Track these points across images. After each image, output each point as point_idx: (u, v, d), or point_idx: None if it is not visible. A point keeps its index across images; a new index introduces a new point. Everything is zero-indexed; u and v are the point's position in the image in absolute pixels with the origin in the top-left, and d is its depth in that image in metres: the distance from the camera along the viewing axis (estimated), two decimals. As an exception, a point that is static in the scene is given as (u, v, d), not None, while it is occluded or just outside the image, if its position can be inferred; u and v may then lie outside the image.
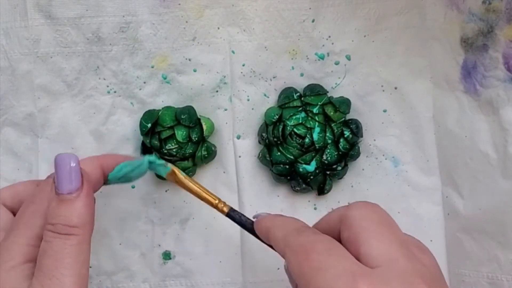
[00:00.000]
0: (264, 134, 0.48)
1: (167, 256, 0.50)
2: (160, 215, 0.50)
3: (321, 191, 0.49)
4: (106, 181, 0.39)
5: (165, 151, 0.47)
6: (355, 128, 0.48)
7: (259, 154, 0.49)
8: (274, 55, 0.48)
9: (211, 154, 0.48)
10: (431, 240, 0.48)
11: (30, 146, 0.49)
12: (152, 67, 0.48)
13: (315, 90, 0.48)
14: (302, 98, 0.48)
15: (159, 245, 0.50)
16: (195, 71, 0.49)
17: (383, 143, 0.49)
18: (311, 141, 0.48)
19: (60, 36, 0.48)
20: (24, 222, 0.35)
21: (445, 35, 0.46)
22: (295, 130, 0.48)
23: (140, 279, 0.50)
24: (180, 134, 0.47)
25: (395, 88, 0.49)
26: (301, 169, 0.48)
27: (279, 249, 0.34)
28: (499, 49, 0.43)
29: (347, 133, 0.48)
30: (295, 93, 0.48)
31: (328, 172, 0.48)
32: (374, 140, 0.49)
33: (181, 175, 0.41)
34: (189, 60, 0.48)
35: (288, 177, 0.48)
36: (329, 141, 0.48)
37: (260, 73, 0.49)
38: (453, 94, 0.47)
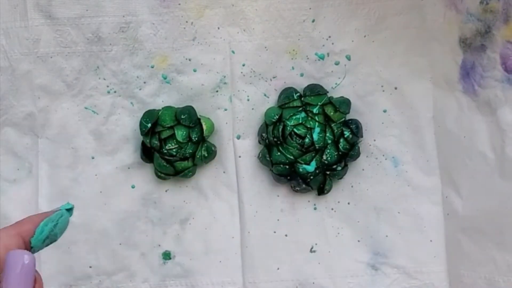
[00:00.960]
0: (264, 134, 0.48)
1: (167, 256, 0.50)
2: (160, 215, 0.50)
3: (321, 191, 0.49)
4: (30, 249, 0.33)
5: (165, 151, 0.47)
6: (355, 128, 0.48)
7: (259, 154, 0.49)
8: (274, 55, 0.48)
9: (211, 154, 0.48)
10: (431, 240, 0.48)
11: (30, 146, 0.49)
12: (152, 67, 0.48)
13: (315, 90, 0.48)
14: (302, 98, 0.48)
15: (159, 245, 0.50)
16: (195, 71, 0.49)
17: (383, 143, 0.49)
18: (311, 141, 0.48)
19: (60, 36, 0.48)
20: None
21: (444, 35, 0.47)
22: (295, 130, 0.48)
23: (140, 279, 0.50)
24: (180, 134, 0.47)
25: (395, 88, 0.49)
26: (301, 169, 0.48)
27: None
28: (497, 49, 0.43)
29: (347, 133, 0.48)
30: (295, 93, 0.48)
31: (328, 172, 0.48)
32: (374, 140, 0.49)
33: None
34: (189, 60, 0.48)
35: (288, 177, 0.48)
36: (329, 141, 0.48)
37: (260, 73, 0.49)
38: (452, 94, 0.47)
